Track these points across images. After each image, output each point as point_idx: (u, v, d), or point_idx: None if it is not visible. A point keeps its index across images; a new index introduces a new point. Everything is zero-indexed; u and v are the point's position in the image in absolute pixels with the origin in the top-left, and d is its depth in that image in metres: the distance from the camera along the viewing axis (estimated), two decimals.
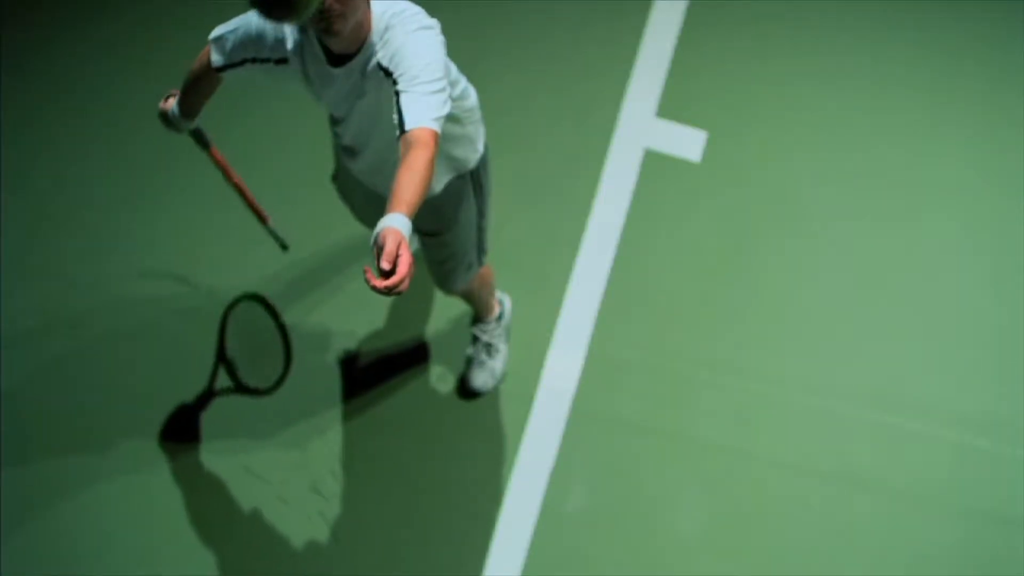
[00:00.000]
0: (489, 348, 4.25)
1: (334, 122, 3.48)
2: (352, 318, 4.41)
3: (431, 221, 3.71)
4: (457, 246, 3.81)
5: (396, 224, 2.83)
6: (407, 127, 3.04)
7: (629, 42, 4.79)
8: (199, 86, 3.56)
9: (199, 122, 3.71)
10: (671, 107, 4.70)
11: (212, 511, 4.18)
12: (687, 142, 4.67)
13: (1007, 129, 4.70)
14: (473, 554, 4.16)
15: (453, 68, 3.36)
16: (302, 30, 3.26)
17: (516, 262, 4.45)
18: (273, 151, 4.65)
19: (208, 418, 4.28)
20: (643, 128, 4.69)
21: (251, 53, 3.34)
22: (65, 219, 4.51)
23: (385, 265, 2.78)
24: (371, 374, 4.35)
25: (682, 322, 4.42)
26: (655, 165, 4.62)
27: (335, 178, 3.98)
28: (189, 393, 4.30)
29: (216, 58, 3.39)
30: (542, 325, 4.40)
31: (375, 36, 3.19)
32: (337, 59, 3.24)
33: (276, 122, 4.69)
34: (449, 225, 3.73)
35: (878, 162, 4.66)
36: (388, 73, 3.15)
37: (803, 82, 4.76)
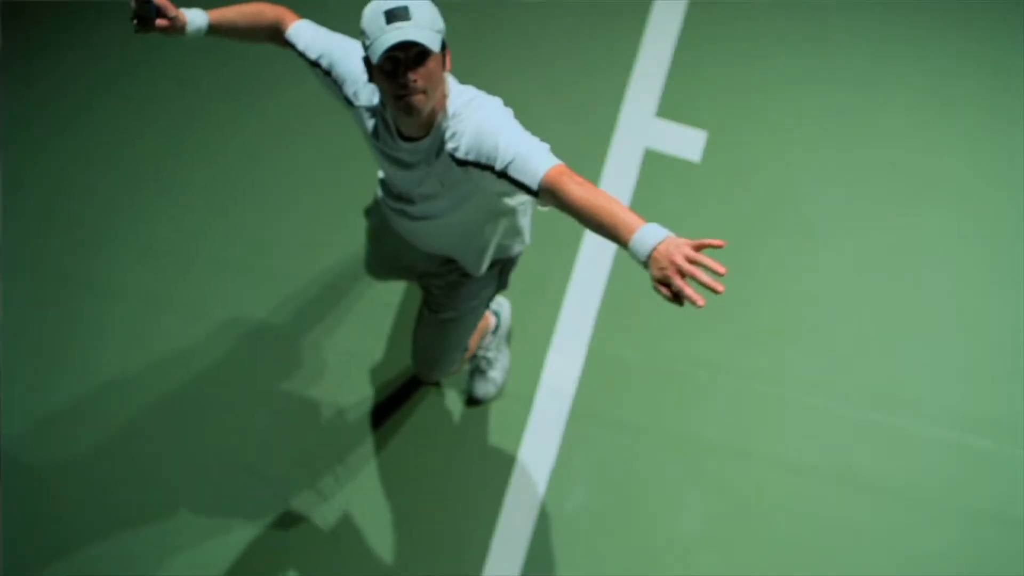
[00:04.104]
0: (488, 360, 4.24)
1: (386, 178, 3.41)
2: (352, 320, 4.41)
3: (443, 297, 3.69)
4: (456, 330, 3.77)
5: (661, 233, 2.68)
6: (537, 185, 2.96)
7: (629, 42, 4.79)
8: (257, 28, 3.35)
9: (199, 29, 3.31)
10: (671, 107, 4.70)
11: (212, 511, 4.18)
12: (687, 142, 4.67)
13: (1007, 129, 4.71)
14: (473, 554, 4.16)
15: None
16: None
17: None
18: (275, 149, 4.66)
19: (209, 418, 4.28)
20: (643, 128, 4.69)
21: (328, 66, 3.27)
22: (65, 219, 4.51)
23: (717, 268, 2.62)
24: (371, 374, 4.35)
25: (682, 322, 4.42)
26: (655, 165, 4.62)
27: (369, 213, 3.94)
28: (189, 392, 4.31)
29: (296, 34, 3.28)
30: (542, 325, 4.40)
31: (446, 121, 3.11)
32: (403, 135, 3.18)
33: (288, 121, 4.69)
34: (459, 306, 3.71)
35: (878, 162, 4.66)
36: (480, 166, 3.06)
37: (803, 82, 4.76)
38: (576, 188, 2.89)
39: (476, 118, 3.08)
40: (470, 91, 3.15)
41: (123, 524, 4.16)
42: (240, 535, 4.15)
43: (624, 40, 4.78)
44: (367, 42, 2.98)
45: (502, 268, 3.67)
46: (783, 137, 4.69)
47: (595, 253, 4.50)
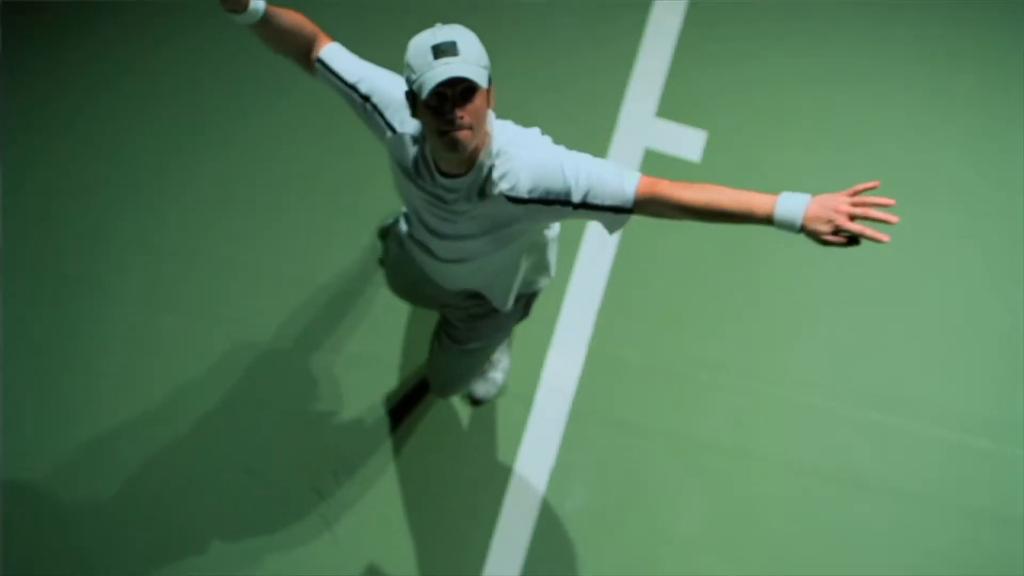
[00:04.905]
0: (489, 361, 4.23)
1: (411, 211, 3.32)
2: (353, 321, 4.41)
3: (466, 329, 3.68)
4: (478, 358, 3.79)
5: (802, 197, 2.76)
6: (632, 203, 2.98)
7: (629, 42, 4.79)
8: (297, 36, 3.20)
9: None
10: (671, 107, 4.70)
11: (212, 511, 4.19)
12: (687, 142, 4.67)
13: (1007, 129, 4.70)
14: (473, 554, 4.17)
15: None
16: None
17: None
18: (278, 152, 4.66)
19: (209, 418, 4.28)
20: (643, 128, 4.69)
21: (368, 91, 3.18)
22: (65, 219, 4.51)
23: (877, 214, 2.69)
24: (371, 375, 4.35)
25: (682, 322, 4.42)
26: (655, 165, 4.62)
27: (384, 238, 3.89)
28: (189, 392, 4.31)
29: (332, 55, 3.19)
30: (542, 325, 4.40)
31: (489, 159, 3.04)
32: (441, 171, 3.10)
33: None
34: (482, 338, 3.71)
35: (878, 161, 4.66)
36: (548, 202, 3.03)
37: (803, 82, 4.76)
38: (682, 191, 2.93)
39: (527, 155, 3.04)
40: (509, 126, 3.10)
41: (123, 525, 4.16)
42: (240, 535, 4.15)
43: (624, 40, 4.78)
44: (413, 76, 2.90)
45: (527, 300, 3.63)
46: (783, 137, 4.69)
47: (595, 253, 4.50)
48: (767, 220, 2.81)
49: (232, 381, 4.31)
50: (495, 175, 3.05)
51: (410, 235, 3.43)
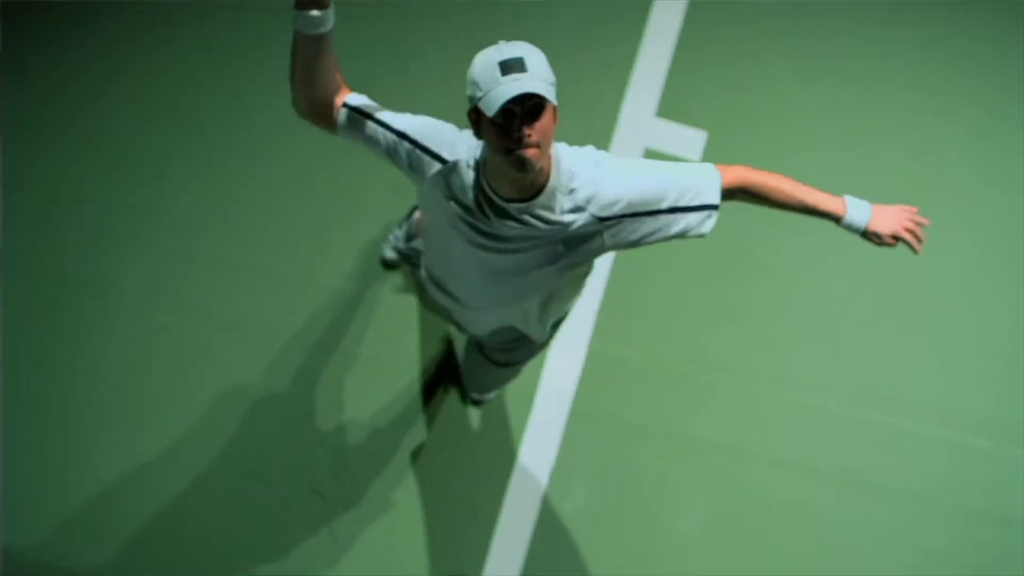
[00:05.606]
0: None
1: (453, 263, 3.18)
2: (353, 321, 4.41)
3: (500, 352, 3.70)
4: (513, 370, 3.85)
5: (863, 213, 3.14)
6: (719, 198, 3.05)
7: (629, 42, 4.78)
8: (331, 71, 3.00)
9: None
10: (671, 107, 4.70)
11: (212, 512, 4.19)
12: (687, 142, 4.67)
13: (1007, 129, 4.70)
14: (473, 554, 4.17)
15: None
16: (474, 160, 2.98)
17: None
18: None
19: (208, 418, 4.28)
20: (643, 128, 4.69)
21: (417, 136, 3.00)
22: (65, 219, 4.51)
23: (916, 228, 3.15)
24: (371, 376, 4.35)
25: (682, 322, 4.42)
26: None
27: (389, 266, 3.85)
28: (188, 392, 4.31)
29: (361, 101, 3.01)
30: None
31: (565, 180, 2.94)
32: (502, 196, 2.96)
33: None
34: (516, 359, 3.74)
35: (878, 161, 4.66)
36: (638, 215, 2.99)
37: (803, 82, 4.76)
38: (763, 182, 3.14)
39: (602, 173, 2.98)
40: (565, 145, 3.02)
41: (123, 525, 4.16)
42: (240, 536, 4.15)
43: (624, 40, 4.78)
44: (479, 93, 2.80)
45: (557, 322, 3.59)
46: (783, 137, 4.68)
47: None
48: (835, 218, 3.17)
49: (232, 381, 4.31)
50: (579, 196, 2.97)
51: (441, 291, 3.34)
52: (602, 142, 4.64)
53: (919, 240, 3.15)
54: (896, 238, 3.16)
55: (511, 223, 2.98)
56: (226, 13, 4.67)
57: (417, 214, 3.91)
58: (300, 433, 4.27)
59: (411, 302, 4.42)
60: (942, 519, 4.24)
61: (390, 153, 3.03)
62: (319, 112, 3.03)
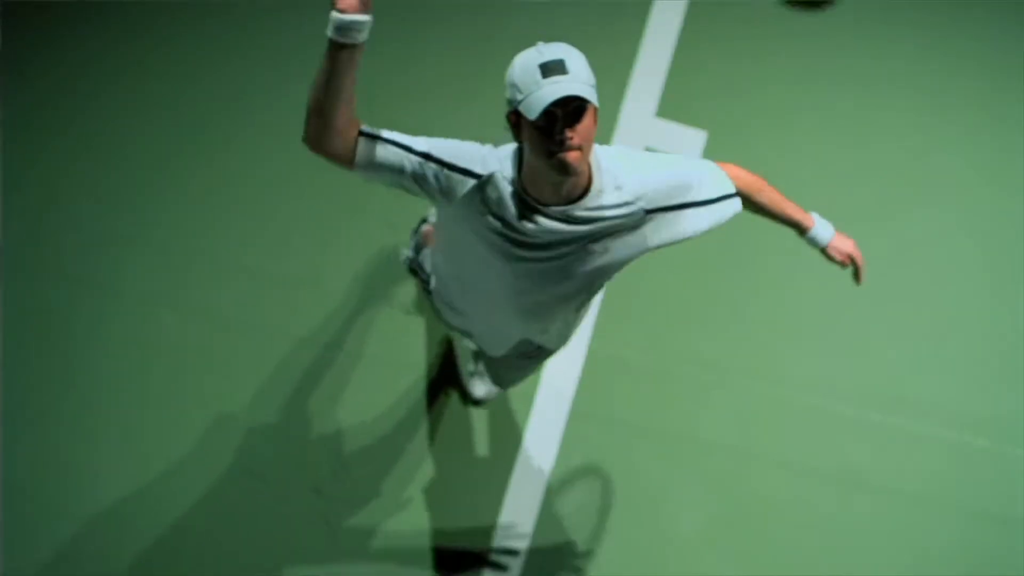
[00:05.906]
0: None
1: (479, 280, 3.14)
2: (353, 320, 4.41)
3: (517, 366, 3.73)
4: (532, 367, 3.83)
5: (828, 231, 3.34)
6: (735, 188, 3.14)
7: (629, 42, 4.78)
8: (351, 96, 2.84)
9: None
10: (671, 107, 4.70)
11: (212, 511, 4.18)
12: (687, 142, 4.67)
13: (1007, 129, 4.70)
14: (473, 553, 4.16)
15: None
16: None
17: None
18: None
19: (208, 418, 4.28)
20: (643, 128, 4.69)
21: (442, 156, 2.90)
22: (65, 219, 4.51)
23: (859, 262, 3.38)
24: (372, 375, 4.35)
25: (682, 322, 4.42)
26: None
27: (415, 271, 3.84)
28: (188, 392, 4.30)
29: (379, 130, 2.92)
30: None
31: (600, 179, 2.93)
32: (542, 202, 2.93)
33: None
34: (535, 364, 3.77)
35: (878, 161, 4.66)
36: (676, 208, 3.03)
37: (803, 82, 4.76)
38: (750, 178, 3.23)
39: (638, 168, 2.99)
40: (598, 146, 2.99)
41: (123, 525, 4.16)
42: (240, 536, 4.15)
43: (624, 40, 4.78)
44: (519, 96, 2.77)
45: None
46: (783, 137, 4.68)
47: None
48: (803, 229, 3.34)
49: (232, 381, 4.31)
50: (626, 193, 2.96)
51: (451, 307, 3.35)
52: (602, 142, 4.63)
53: (861, 275, 3.40)
54: (851, 259, 3.38)
55: (555, 227, 2.95)
56: (226, 13, 4.68)
57: (425, 226, 3.89)
58: (300, 433, 4.26)
59: (411, 302, 4.42)
60: (942, 519, 4.23)
61: (417, 179, 2.92)
62: (335, 142, 2.89)
